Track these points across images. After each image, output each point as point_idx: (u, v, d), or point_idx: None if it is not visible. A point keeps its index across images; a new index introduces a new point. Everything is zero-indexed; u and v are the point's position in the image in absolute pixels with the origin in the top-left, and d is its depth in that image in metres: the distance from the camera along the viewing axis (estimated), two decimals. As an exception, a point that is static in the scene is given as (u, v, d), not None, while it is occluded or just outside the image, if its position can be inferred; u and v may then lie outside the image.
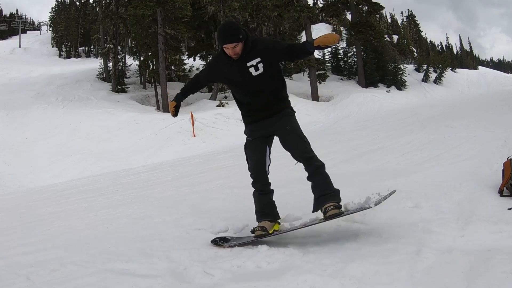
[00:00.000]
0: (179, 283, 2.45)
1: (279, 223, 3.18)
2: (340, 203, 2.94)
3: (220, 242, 3.09)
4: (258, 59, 2.96)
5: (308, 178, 3.05)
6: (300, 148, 3.02)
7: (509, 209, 3.28)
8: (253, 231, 3.05)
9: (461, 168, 5.09)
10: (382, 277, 2.30)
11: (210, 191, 5.61)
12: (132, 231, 3.67)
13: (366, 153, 7.70)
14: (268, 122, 3.11)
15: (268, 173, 3.17)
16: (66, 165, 14.44)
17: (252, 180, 3.19)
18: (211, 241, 3.12)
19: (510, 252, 2.45)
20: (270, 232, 3.03)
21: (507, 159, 3.91)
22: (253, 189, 3.23)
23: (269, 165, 3.17)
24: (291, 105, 3.25)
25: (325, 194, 2.95)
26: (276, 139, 3.19)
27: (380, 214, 3.44)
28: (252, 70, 2.97)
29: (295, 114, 3.20)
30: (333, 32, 2.84)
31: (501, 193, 3.68)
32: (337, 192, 3.01)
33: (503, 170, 3.84)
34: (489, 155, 5.58)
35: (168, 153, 14.19)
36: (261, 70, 2.98)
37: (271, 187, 3.21)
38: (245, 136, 3.27)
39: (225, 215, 3.97)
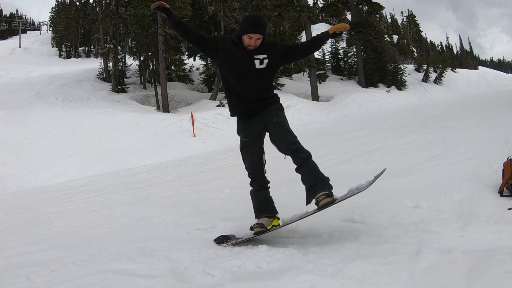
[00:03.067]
0: (179, 283, 2.45)
1: (278, 218, 3.18)
2: (332, 191, 2.92)
3: (221, 241, 3.11)
4: (265, 55, 3.06)
5: (297, 170, 3.04)
6: (286, 141, 3.01)
7: (509, 209, 3.28)
8: (251, 228, 3.08)
9: (461, 168, 5.09)
10: (382, 277, 2.30)
11: (210, 191, 5.61)
12: (132, 231, 3.67)
13: (366, 153, 7.70)
14: (258, 118, 3.13)
15: (265, 172, 3.22)
16: (66, 165, 14.44)
17: (250, 179, 3.23)
18: (214, 240, 3.15)
19: (510, 252, 2.45)
20: (268, 228, 3.05)
21: (507, 159, 3.91)
22: (251, 188, 3.25)
23: (265, 163, 3.21)
24: (281, 101, 3.30)
25: (315, 184, 2.93)
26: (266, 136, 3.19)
27: (380, 214, 3.45)
28: (257, 62, 3.05)
29: (284, 110, 3.24)
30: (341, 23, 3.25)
31: (501, 193, 3.68)
32: (326, 180, 2.97)
33: (503, 170, 3.84)
34: (489, 155, 5.58)
35: (168, 153, 14.19)
36: (264, 65, 3.07)
37: (269, 185, 3.25)
38: (239, 137, 3.27)
39: (225, 215, 3.97)
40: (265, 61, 3.06)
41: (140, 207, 4.96)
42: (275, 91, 3.36)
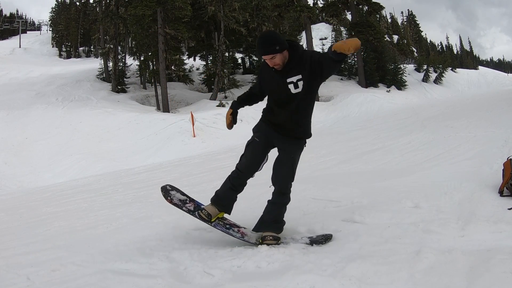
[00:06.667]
0: (179, 283, 2.45)
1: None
2: (279, 235, 3.08)
3: (167, 194, 3.31)
4: (299, 76, 2.82)
5: (269, 201, 3.17)
6: (283, 182, 3.10)
7: (509, 209, 3.28)
8: (200, 209, 3.17)
9: (461, 168, 5.09)
10: (382, 277, 2.30)
11: (210, 191, 5.57)
12: (132, 231, 3.67)
13: (366, 153, 7.70)
14: (280, 138, 3.07)
15: (253, 176, 3.21)
16: (66, 165, 14.43)
17: (235, 173, 3.20)
18: (161, 188, 3.39)
19: (510, 252, 2.45)
20: (212, 220, 3.15)
21: (507, 159, 3.92)
22: (229, 175, 3.25)
23: (259, 170, 3.20)
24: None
25: (273, 222, 3.10)
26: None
27: (380, 214, 3.45)
28: (291, 86, 2.84)
29: (304, 147, 3.19)
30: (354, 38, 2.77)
31: (501, 193, 3.68)
32: (282, 224, 3.15)
33: (503, 170, 3.84)
34: (489, 155, 5.58)
35: (168, 153, 14.18)
36: (300, 88, 2.84)
37: (244, 187, 3.27)
38: (251, 133, 3.23)
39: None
40: (300, 83, 2.81)
41: (140, 207, 4.96)
42: None
